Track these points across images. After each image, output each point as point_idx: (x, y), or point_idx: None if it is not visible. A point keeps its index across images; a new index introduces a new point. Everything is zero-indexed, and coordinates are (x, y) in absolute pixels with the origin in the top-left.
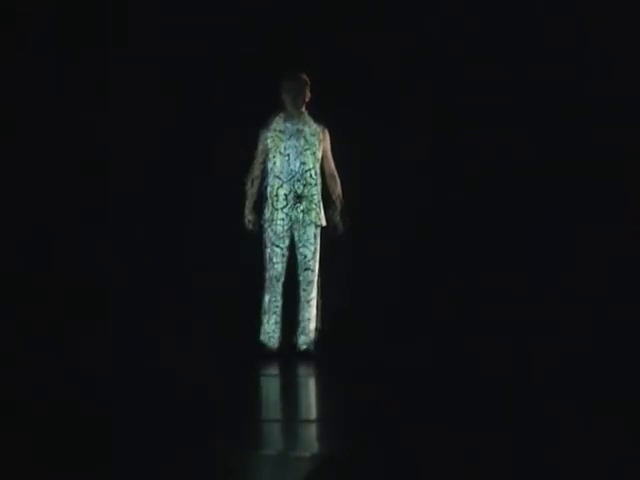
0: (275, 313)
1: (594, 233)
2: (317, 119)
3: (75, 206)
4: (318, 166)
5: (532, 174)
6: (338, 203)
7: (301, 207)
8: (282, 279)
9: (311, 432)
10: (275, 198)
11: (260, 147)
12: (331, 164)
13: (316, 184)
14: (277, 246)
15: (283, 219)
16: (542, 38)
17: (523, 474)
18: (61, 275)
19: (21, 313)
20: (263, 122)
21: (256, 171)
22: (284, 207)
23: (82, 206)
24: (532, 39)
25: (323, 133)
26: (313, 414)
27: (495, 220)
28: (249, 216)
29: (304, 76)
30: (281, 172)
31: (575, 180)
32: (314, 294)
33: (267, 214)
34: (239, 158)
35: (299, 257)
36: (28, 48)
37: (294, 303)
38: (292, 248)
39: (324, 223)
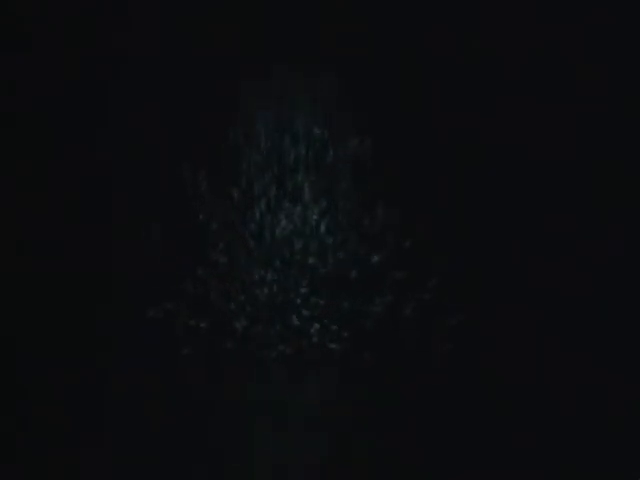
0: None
1: (594, 233)
2: (317, 118)
3: (76, 206)
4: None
5: (532, 174)
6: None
7: None
8: None
9: (311, 432)
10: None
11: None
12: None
13: None
14: None
15: None
16: (542, 40)
17: (523, 474)
18: (61, 275)
19: (21, 313)
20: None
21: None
22: None
23: (82, 206)
24: (532, 40)
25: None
26: (313, 414)
27: (495, 220)
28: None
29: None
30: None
31: (575, 180)
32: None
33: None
34: (239, 158)
35: None
36: (28, 48)
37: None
38: None
39: None
